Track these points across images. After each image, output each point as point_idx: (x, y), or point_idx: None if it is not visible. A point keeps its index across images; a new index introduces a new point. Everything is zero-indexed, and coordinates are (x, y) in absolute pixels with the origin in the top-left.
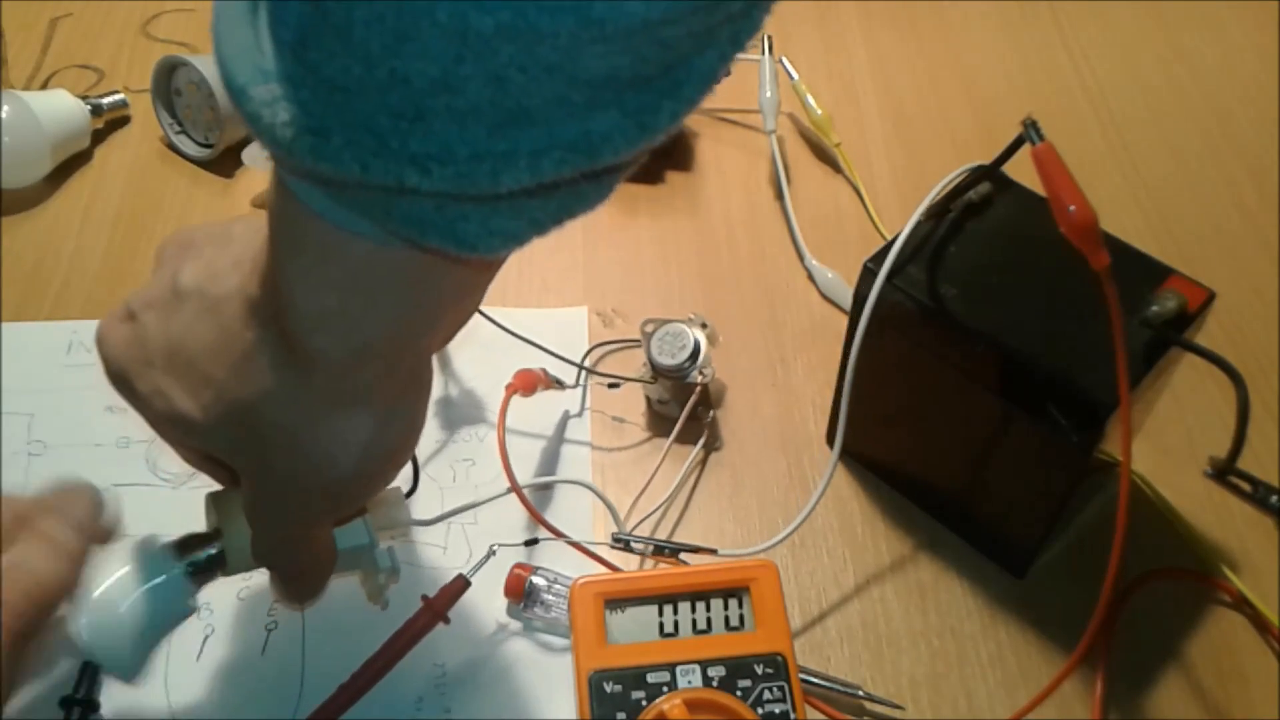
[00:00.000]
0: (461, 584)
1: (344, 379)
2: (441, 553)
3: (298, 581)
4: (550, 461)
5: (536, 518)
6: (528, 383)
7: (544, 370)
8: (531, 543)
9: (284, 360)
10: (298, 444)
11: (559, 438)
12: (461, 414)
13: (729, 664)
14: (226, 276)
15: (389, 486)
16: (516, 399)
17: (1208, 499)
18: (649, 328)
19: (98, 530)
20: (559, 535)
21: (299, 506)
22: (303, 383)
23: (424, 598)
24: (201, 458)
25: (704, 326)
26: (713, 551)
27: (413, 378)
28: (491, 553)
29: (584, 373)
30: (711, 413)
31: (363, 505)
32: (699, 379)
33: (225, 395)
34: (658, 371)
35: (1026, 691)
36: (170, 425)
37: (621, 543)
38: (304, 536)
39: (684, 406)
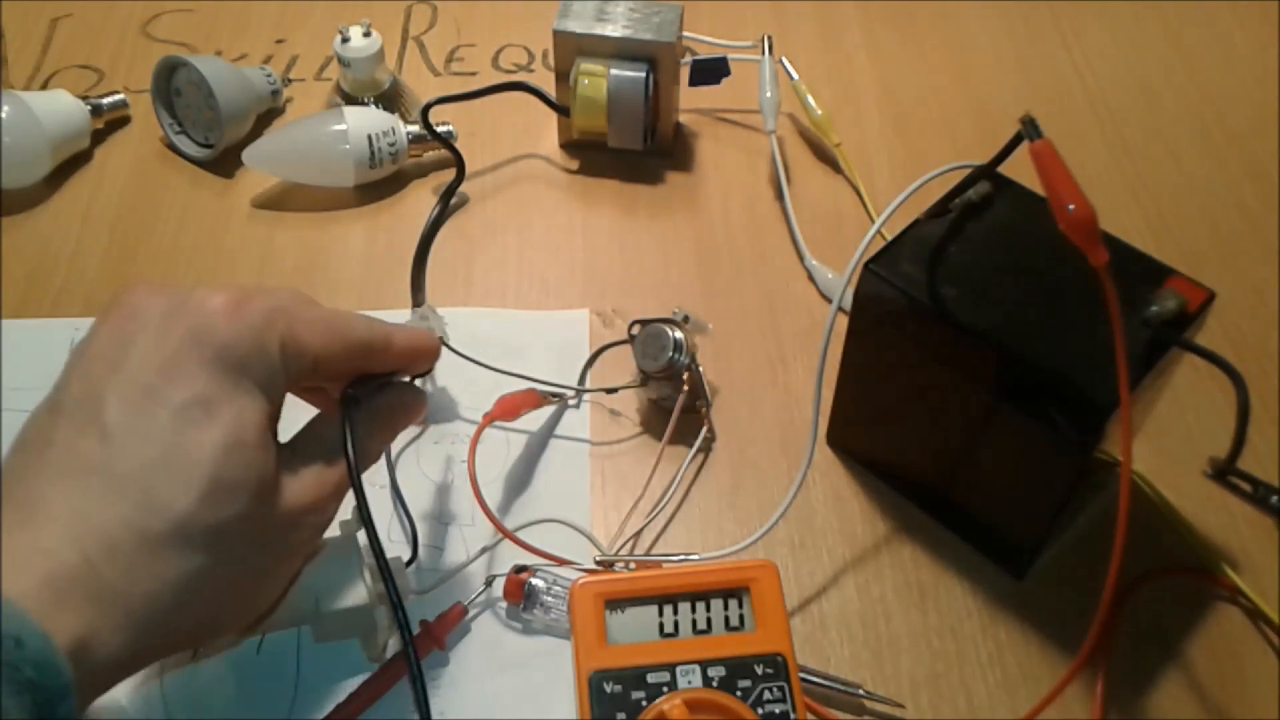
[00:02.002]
0: (460, 611)
1: None
2: (439, 554)
3: None
4: (547, 461)
5: (528, 549)
6: (510, 409)
7: (533, 390)
8: (523, 569)
9: None
10: None
11: (557, 435)
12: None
13: (729, 664)
14: None
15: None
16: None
17: (1208, 499)
18: (635, 329)
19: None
20: (552, 559)
21: None
22: None
23: (423, 622)
24: None
25: (686, 320)
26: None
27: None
28: (487, 584)
29: (584, 383)
30: (709, 405)
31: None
32: (686, 375)
33: None
34: (646, 376)
35: (1026, 691)
36: None
37: (605, 564)
38: None
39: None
